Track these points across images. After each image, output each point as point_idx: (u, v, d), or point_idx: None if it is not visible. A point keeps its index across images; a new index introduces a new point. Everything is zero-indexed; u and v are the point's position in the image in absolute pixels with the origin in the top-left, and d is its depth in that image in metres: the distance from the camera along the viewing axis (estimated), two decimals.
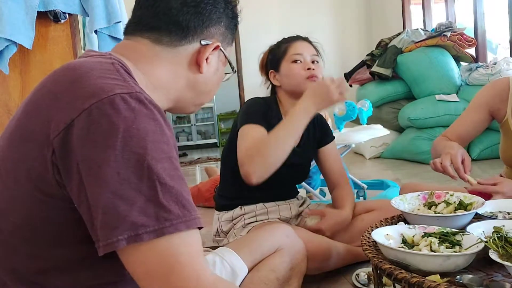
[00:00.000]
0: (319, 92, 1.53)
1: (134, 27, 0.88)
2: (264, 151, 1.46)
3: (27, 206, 0.73)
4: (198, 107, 0.99)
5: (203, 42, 0.88)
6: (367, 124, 3.05)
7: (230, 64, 0.98)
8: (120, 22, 2.63)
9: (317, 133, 1.85)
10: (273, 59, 1.80)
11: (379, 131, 3.00)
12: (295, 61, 1.74)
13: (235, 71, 1.02)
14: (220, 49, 0.92)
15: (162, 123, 0.72)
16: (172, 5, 0.86)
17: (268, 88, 1.87)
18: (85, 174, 0.66)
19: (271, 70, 1.80)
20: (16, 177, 0.73)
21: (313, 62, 1.75)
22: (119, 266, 0.70)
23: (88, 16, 2.60)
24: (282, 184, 1.75)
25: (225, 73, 0.99)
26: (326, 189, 2.73)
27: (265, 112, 1.68)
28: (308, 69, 1.72)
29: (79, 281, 0.76)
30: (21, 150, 0.73)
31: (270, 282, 1.19)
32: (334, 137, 1.91)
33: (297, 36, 1.83)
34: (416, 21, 5.56)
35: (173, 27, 0.86)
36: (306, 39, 1.81)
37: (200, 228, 0.71)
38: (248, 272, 1.19)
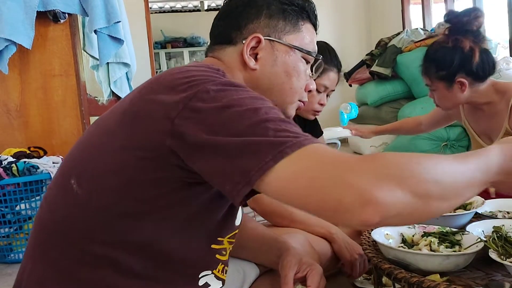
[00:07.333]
0: None
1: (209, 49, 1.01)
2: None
3: None
4: (287, 107, 0.99)
5: (244, 41, 0.93)
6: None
7: (300, 49, 0.96)
8: (119, 22, 2.64)
9: (308, 128, 1.80)
10: None
11: (336, 132, 3.19)
12: (318, 90, 1.63)
13: (317, 55, 1.00)
14: (268, 40, 0.93)
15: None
16: (214, 24, 0.99)
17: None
18: None
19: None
20: None
21: (328, 95, 1.69)
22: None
23: (88, 16, 2.60)
24: None
25: (306, 60, 0.98)
26: None
27: None
28: (321, 104, 1.67)
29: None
30: None
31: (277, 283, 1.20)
32: (322, 132, 1.88)
33: (336, 61, 1.69)
34: (415, 20, 5.56)
35: (219, 38, 0.97)
36: (339, 71, 1.71)
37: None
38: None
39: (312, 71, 1.02)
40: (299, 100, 1.00)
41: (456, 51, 1.65)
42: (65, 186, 0.80)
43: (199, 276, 0.87)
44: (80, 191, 0.78)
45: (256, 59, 0.94)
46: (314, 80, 1.04)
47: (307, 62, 0.99)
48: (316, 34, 1.04)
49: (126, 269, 0.78)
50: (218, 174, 0.68)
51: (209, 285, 0.89)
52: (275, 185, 0.64)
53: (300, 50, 0.96)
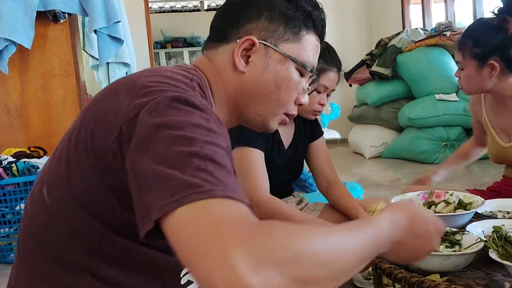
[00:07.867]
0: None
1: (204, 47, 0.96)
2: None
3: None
4: (270, 119, 0.92)
5: (238, 40, 0.87)
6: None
7: (294, 60, 0.89)
8: (119, 22, 2.64)
9: (307, 128, 1.80)
10: None
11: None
12: (318, 91, 1.63)
13: (312, 71, 0.92)
14: (263, 44, 0.87)
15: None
16: (214, 19, 0.95)
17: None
18: None
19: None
20: None
21: (328, 95, 1.69)
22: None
23: (88, 16, 2.60)
24: (278, 183, 1.75)
25: (301, 72, 0.91)
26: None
27: None
28: (322, 104, 1.66)
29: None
30: None
31: None
32: (323, 132, 1.86)
33: (335, 61, 1.68)
34: (415, 20, 5.56)
35: (215, 35, 0.93)
36: (339, 71, 1.69)
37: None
38: None
39: (308, 85, 0.95)
40: (286, 114, 0.93)
41: (499, 31, 1.58)
42: (39, 195, 0.79)
43: (181, 276, 0.86)
44: (49, 200, 0.76)
45: (247, 62, 0.88)
46: None
47: (302, 75, 0.92)
48: (321, 44, 0.96)
49: (104, 276, 0.76)
50: (134, 200, 0.64)
51: (192, 282, 0.87)
52: (170, 229, 0.57)
53: (294, 61, 0.89)
